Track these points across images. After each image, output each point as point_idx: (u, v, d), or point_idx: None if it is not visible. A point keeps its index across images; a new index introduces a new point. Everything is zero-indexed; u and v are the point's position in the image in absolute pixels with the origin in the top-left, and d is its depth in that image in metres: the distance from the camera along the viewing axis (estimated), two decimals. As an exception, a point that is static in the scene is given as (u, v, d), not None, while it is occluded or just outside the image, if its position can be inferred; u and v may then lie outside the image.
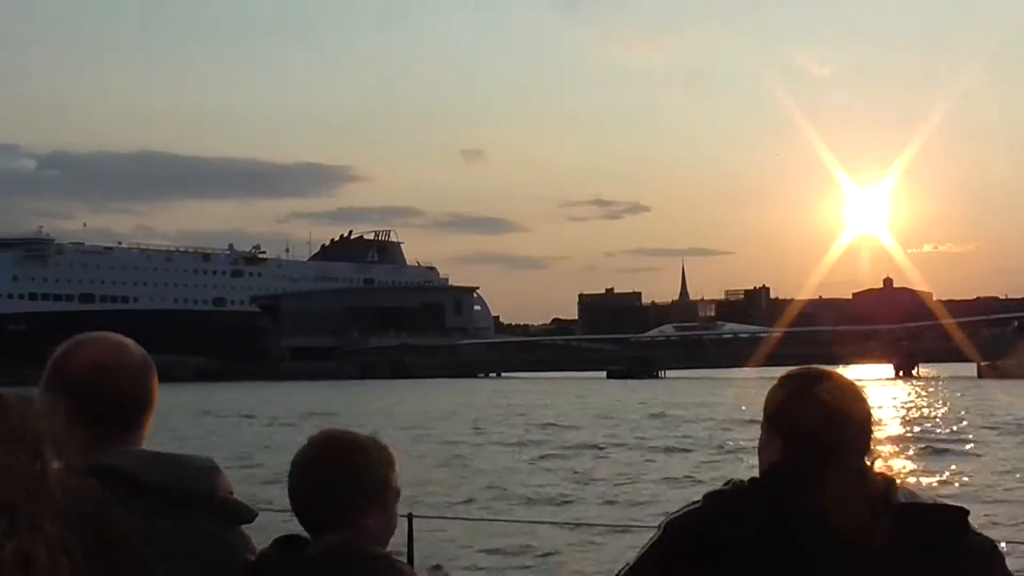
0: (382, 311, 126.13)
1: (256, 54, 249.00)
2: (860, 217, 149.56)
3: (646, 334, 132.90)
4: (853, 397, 1.95)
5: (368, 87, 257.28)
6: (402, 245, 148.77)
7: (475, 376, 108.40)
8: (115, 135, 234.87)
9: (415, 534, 6.21)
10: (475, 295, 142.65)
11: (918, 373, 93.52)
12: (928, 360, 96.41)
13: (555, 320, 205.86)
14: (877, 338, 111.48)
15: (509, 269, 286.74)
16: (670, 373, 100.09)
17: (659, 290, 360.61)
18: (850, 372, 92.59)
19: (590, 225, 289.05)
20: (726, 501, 1.90)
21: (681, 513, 1.94)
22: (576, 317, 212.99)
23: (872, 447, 1.94)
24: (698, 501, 1.94)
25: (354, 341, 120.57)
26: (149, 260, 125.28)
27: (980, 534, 1.86)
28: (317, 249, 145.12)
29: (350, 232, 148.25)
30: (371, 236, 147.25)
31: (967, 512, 1.82)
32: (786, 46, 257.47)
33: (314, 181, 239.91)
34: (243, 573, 2.01)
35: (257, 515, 2.05)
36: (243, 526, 2.03)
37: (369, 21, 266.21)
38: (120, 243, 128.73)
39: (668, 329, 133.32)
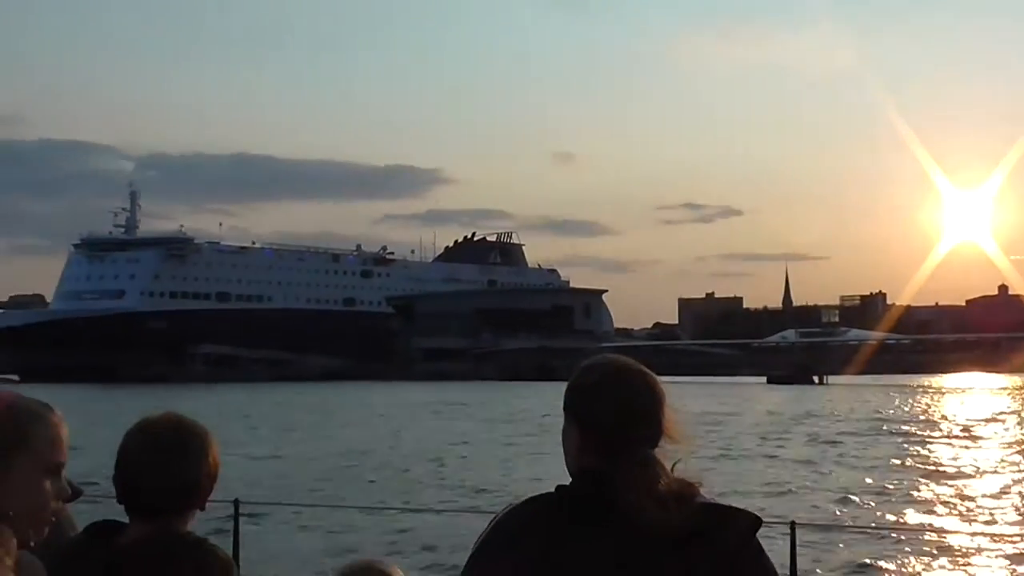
0: (512, 312, 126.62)
1: (351, 57, 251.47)
2: (962, 222, 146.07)
3: (769, 339, 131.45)
4: (645, 388, 1.93)
5: (460, 90, 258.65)
6: (524, 247, 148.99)
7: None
8: (212, 138, 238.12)
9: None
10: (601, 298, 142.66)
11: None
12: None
13: (656, 324, 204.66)
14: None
15: (600, 272, 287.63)
16: (833, 379, 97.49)
17: (758, 295, 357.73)
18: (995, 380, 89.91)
19: (682, 228, 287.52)
20: (539, 504, 1.88)
21: (506, 512, 1.91)
22: (676, 321, 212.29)
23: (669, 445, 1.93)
24: (515, 503, 1.92)
25: (485, 342, 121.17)
26: (282, 260, 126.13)
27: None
28: (441, 251, 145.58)
29: (473, 234, 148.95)
30: (493, 238, 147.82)
31: (760, 520, 1.87)
32: (882, 46, 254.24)
33: (405, 183, 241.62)
34: (61, 549, 1.94)
35: (83, 493, 1.97)
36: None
37: (462, 24, 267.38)
38: (254, 243, 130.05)
39: (791, 335, 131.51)
